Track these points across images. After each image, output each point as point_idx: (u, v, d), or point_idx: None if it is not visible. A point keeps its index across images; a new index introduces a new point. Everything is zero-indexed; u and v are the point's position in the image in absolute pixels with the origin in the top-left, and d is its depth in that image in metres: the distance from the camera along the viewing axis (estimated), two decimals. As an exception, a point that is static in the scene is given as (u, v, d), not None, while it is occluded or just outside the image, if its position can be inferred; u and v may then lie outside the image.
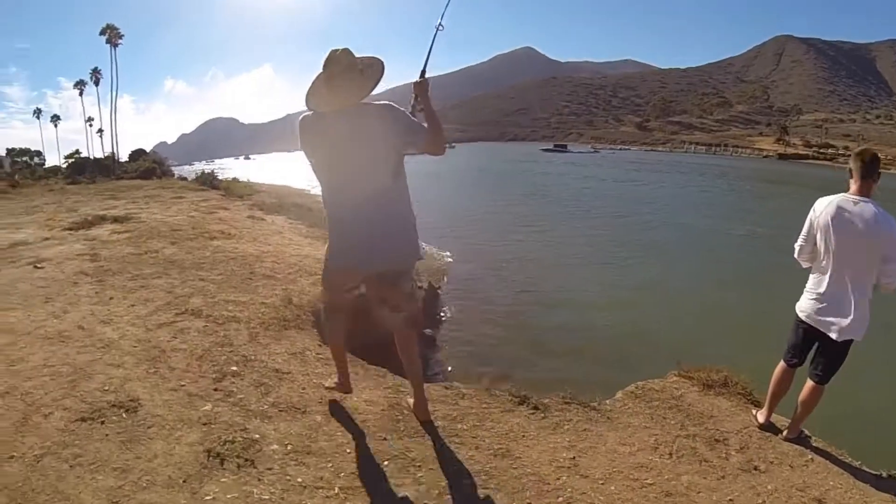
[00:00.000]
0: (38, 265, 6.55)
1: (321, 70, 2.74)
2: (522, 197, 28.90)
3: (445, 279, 11.77)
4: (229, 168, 48.55)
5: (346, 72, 2.69)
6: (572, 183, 39.76)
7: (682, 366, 4.82)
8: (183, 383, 3.80)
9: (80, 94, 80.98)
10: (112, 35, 61.83)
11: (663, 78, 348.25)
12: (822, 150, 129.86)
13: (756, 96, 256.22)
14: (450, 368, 7.51)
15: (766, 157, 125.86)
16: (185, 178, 24.54)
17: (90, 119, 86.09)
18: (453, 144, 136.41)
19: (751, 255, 16.07)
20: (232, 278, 6.52)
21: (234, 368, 4.11)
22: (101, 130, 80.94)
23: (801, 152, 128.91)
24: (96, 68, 73.92)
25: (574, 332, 9.41)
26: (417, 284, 3.64)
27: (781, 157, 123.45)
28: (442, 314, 9.84)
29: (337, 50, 2.74)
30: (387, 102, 2.79)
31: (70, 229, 9.11)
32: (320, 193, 3.01)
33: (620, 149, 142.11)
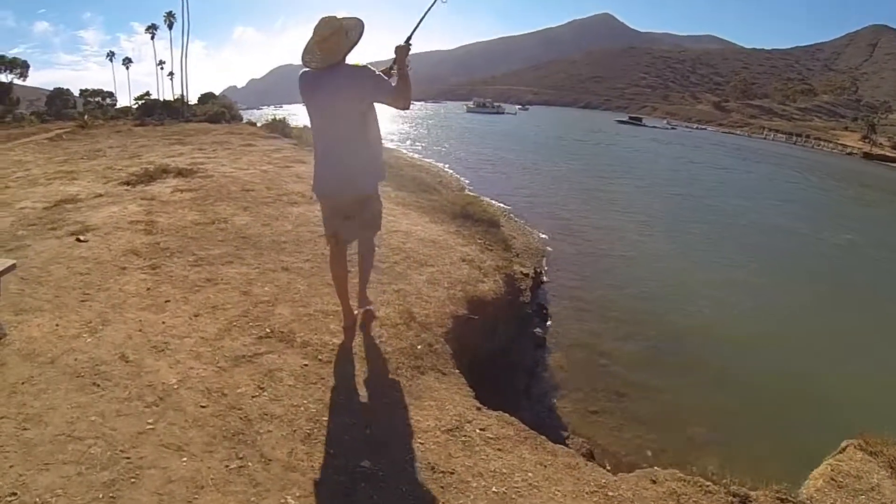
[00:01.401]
0: (82, 238, 5.20)
1: (313, 34, 3.15)
2: (614, 175, 26.37)
3: (545, 264, 10.20)
4: (298, 114, 47.59)
5: (333, 36, 3.14)
6: (664, 163, 36.83)
7: (865, 437, 3.97)
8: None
9: (152, 37, 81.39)
10: None
11: (746, 58, 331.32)
12: None
13: (844, 87, 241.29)
14: (561, 392, 6.38)
15: (849, 153, 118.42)
16: (254, 124, 23.82)
17: (161, 62, 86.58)
18: (527, 107, 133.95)
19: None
20: (325, 269, 4.98)
21: (366, 465, 2.66)
22: (171, 73, 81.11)
23: (889, 154, 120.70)
24: (170, 12, 73.47)
25: (706, 364, 7.72)
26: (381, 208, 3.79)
27: (867, 156, 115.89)
28: (546, 310, 8.46)
29: (326, 17, 3.16)
30: (364, 65, 3.24)
31: (128, 183, 7.84)
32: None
33: (697, 128, 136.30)
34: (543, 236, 12.18)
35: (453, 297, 5.00)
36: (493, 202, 13.50)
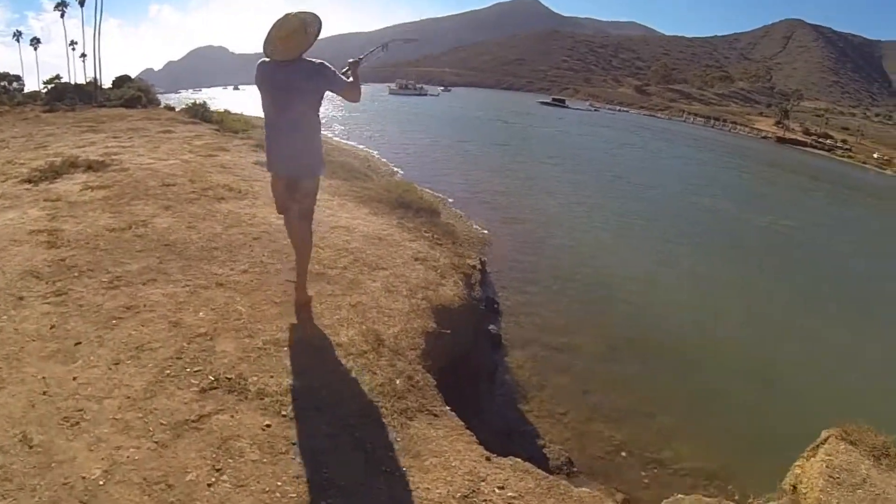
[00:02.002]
0: (-37, 257, 4.28)
1: (275, 27, 3.45)
2: (544, 158, 26.02)
3: (489, 256, 9.76)
4: (217, 98, 45.72)
5: (294, 34, 3.46)
6: (592, 145, 37.19)
7: (844, 427, 3.84)
8: None
9: (62, 15, 75.10)
10: None
11: (667, 44, 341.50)
12: (821, 140, 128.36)
13: (759, 76, 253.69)
14: (526, 395, 6.12)
15: (764, 137, 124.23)
16: (172, 108, 22.67)
17: (73, 43, 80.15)
18: (449, 88, 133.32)
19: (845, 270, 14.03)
20: (265, 280, 4.34)
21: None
22: (83, 55, 75.30)
23: (800, 138, 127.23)
24: None
25: (662, 350, 7.69)
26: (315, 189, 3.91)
27: (780, 140, 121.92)
28: (497, 304, 8.15)
29: (290, 14, 3.47)
30: (321, 61, 3.60)
31: (30, 181, 6.79)
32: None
33: (619, 110, 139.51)
34: (480, 223, 11.76)
35: (417, 309, 4.48)
36: (426, 189, 12.93)
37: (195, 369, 3.08)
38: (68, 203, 5.92)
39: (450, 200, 13.10)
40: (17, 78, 71.71)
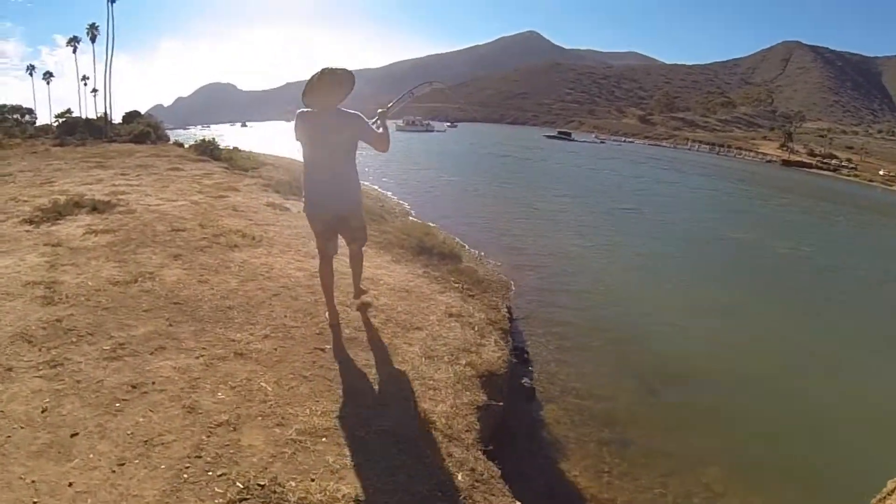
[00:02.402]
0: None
1: (315, 79, 3.81)
2: (557, 193, 24.99)
3: (513, 301, 9.17)
4: (225, 135, 45.81)
5: (331, 86, 3.83)
6: (603, 178, 36.31)
7: None
8: None
9: (74, 51, 76.66)
10: None
11: (668, 73, 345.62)
12: (826, 161, 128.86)
13: (760, 99, 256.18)
14: (566, 453, 5.41)
15: (769, 161, 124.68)
16: (181, 145, 22.42)
17: (85, 78, 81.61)
18: (455, 124, 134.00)
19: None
20: (291, 349, 3.80)
21: None
22: (95, 90, 76.21)
23: (805, 160, 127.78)
24: (93, 24, 69.06)
25: (706, 398, 7.04)
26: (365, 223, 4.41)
27: (785, 163, 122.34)
28: (527, 353, 7.44)
29: (326, 70, 3.80)
30: (355, 112, 3.94)
31: (31, 222, 6.36)
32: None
33: (625, 141, 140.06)
34: (498, 264, 11.18)
35: (464, 378, 3.95)
36: (441, 229, 12.40)
37: (219, 472, 2.50)
38: (70, 249, 5.45)
39: (465, 241, 12.57)
40: (30, 111, 73.04)
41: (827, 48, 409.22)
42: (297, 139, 4.04)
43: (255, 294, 4.67)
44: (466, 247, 11.72)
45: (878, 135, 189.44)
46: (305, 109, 3.96)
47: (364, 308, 4.70)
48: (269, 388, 3.22)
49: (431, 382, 3.70)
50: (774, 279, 13.55)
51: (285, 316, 4.31)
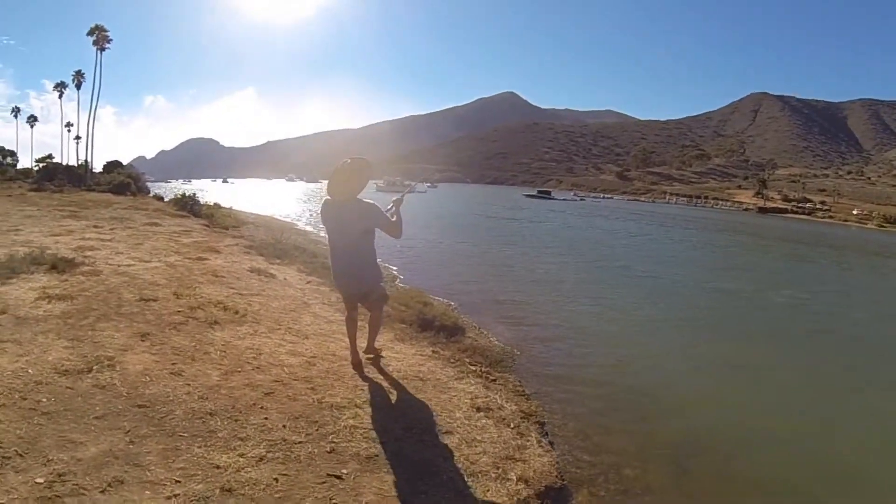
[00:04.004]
0: None
1: (337, 171, 4.32)
2: (544, 254, 23.92)
3: (521, 375, 8.18)
4: (207, 190, 45.05)
5: (350, 176, 4.29)
6: (590, 236, 35.66)
7: None
8: None
9: (60, 96, 76.46)
10: (100, 37, 55.37)
11: (643, 129, 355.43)
12: (800, 205, 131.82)
13: (733, 150, 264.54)
14: None
15: (746, 209, 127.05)
16: (161, 199, 22.12)
17: (69, 124, 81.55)
18: (435, 185, 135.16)
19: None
20: (299, 478, 2.82)
21: None
22: (78, 137, 75.47)
23: (780, 206, 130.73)
24: (79, 71, 68.66)
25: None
26: (385, 292, 4.83)
27: (762, 210, 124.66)
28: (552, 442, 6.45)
29: (346, 161, 4.35)
30: (371, 203, 4.36)
31: (-23, 280, 5.38)
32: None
33: (604, 197, 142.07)
34: (498, 335, 10.18)
35: (520, 500, 3.02)
36: (434, 297, 11.41)
37: None
38: (15, 319, 4.49)
39: (462, 309, 11.55)
40: (13, 153, 72.64)
41: (794, 97, 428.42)
42: (323, 224, 4.55)
43: (242, 393, 3.69)
44: (461, 313, 10.75)
45: (848, 176, 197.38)
46: (328, 199, 4.36)
47: (376, 360, 4.95)
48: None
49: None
50: (782, 331, 12.98)
51: (283, 426, 3.32)
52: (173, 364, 3.95)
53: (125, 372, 3.73)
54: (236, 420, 3.29)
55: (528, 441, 4.07)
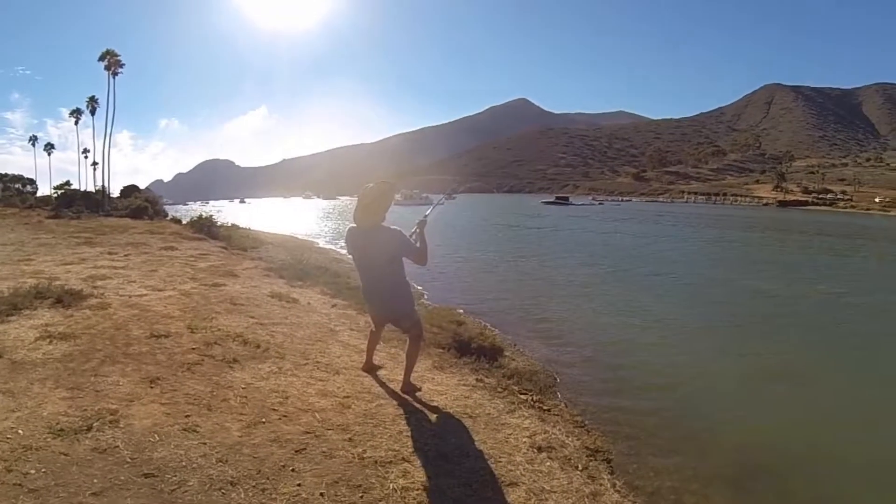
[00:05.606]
0: None
1: (361, 196, 4.27)
2: (569, 262, 22.90)
3: (566, 400, 7.50)
4: (224, 210, 45.05)
5: (373, 201, 4.23)
6: (615, 242, 34.60)
7: None
8: None
9: (76, 123, 77.11)
10: (112, 62, 55.64)
11: (657, 128, 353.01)
12: (821, 196, 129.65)
13: (748, 144, 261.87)
14: None
15: (765, 204, 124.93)
16: (179, 221, 22.18)
17: (86, 151, 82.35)
18: (453, 196, 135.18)
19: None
20: None
21: None
22: (95, 163, 75.89)
23: (800, 198, 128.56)
24: (93, 97, 68.77)
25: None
26: (418, 319, 4.59)
27: (782, 204, 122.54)
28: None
29: (369, 185, 4.33)
30: (396, 229, 4.26)
31: (-23, 315, 4.93)
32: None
33: (623, 200, 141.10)
34: (534, 354, 9.43)
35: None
36: (465, 313, 10.65)
37: None
38: (11, 363, 3.99)
39: (495, 328, 10.76)
40: (32, 181, 74.25)
41: (807, 86, 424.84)
42: (349, 252, 4.54)
43: (268, 451, 3.08)
44: (495, 331, 10.03)
45: (867, 163, 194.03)
46: (353, 226, 4.34)
47: (415, 395, 4.58)
48: None
49: None
50: (840, 335, 12.17)
51: (321, 493, 2.71)
52: (186, 417, 3.38)
53: (130, 429, 3.16)
54: (263, 490, 2.69)
55: (602, 486, 3.50)
